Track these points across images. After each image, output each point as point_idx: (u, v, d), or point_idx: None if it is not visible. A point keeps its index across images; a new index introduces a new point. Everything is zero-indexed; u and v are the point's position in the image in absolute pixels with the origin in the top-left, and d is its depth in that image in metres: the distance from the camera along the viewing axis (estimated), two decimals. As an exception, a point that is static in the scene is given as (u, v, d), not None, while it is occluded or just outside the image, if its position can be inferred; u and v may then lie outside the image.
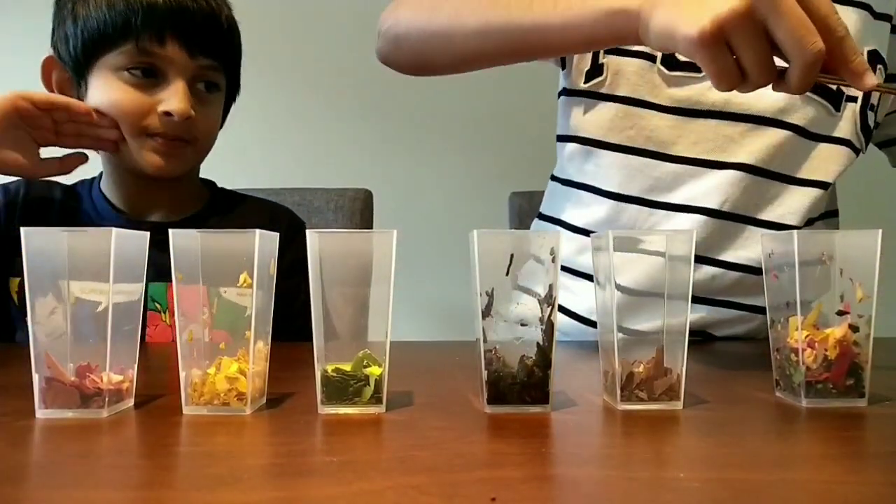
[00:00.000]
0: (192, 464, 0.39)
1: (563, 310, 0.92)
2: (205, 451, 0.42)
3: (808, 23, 0.55)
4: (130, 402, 0.51)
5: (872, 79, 0.57)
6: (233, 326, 0.50)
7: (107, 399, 0.48)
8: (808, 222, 0.89)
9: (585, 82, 0.89)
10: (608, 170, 0.89)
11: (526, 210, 1.45)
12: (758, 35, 0.56)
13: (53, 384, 0.48)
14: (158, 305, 0.92)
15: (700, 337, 0.89)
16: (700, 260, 0.85)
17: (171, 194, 0.96)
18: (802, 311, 0.50)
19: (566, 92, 0.95)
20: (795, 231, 0.50)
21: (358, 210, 1.35)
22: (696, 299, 0.86)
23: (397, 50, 0.87)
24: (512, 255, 0.50)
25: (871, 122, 0.90)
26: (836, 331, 0.51)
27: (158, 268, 0.88)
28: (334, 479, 0.35)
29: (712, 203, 0.84)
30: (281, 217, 1.07)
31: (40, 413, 0.48)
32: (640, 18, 0.63)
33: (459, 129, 1.20)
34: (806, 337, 0.50)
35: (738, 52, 0.57)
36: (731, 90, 0.59)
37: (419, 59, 0.85)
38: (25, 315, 0.87)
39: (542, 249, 0.50)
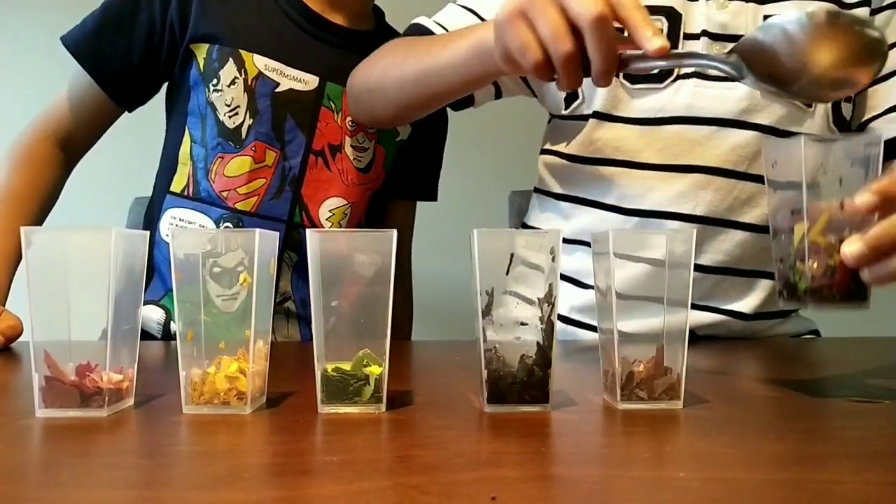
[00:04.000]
0: (192, 463, 0.39)
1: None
2: (205, 451, 0.42)
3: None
4: (130, 402, 0.51)
5: (660, 41, 0.58)
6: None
7: (106, 398, 0.48)
8: None
9: (566, 108, 0.93)
10: (581, 182, 0.92)
11: (526, 209, 1.45)
12: (545, 7, 0.61)
13: (53, 383, 0.48)
14: (333, 105, 0.98)
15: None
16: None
17: (361, 3, 1.04)
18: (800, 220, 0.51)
19: (551, 117, 1.00)
20: (802, 136, 0.51)
21: None
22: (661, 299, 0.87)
23: (357, 107, 0.97)
24: (512, 255, 0.50)
25: (846, 114, 0.90)
26: (843, 237, 0.51)
27: (336, 69, 0.98)
28: (334, 479, 0.35)
29: (684, 208, 0.85)
30: None
31: (40, 412, 0.48)
32: (491, 42, 0.68)
33: (459, 127, 1.21)
34: (811, 244, 0.51)
35: (535, 24, 0.62)
36: (536, 67, 0.63)
37: (371, 113, 0.95)
38: (209, 80, 0.95)
39: (542, 249, 0.50)
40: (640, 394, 0.50)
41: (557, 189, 0.96)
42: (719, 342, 0.88)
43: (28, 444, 0.43)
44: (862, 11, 0.88)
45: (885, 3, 0.90)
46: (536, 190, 1.01)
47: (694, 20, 0.86)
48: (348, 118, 0.99)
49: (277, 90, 0.95)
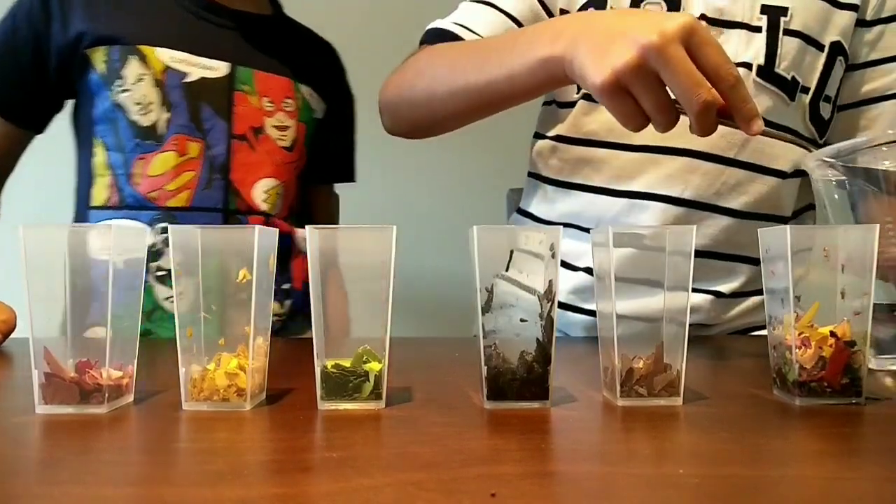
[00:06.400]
0: (191, 460, 0.39)
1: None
2: (204, 447, 0.42)
3: (695, 75, 0.59)
4: (130, 398, 0.51)
5: (759, 124, 0.61)
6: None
7: (106, 395, 0.48)
8: (784, 219, 0.90)
9: (577, 92, 0.93)
10: (571, 164, 0.92)
11: (525, 206, 1.45)
12: (652, 84, 0.61)
13: (53, 380, 0.48)
14: (246, 87, 0.99)
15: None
16: None
17: None
18: (800, 308, 0.50)
19: (548, 102, 1.00)
20: (788, 226, 0.50)
21: None
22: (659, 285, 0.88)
23: (396, 122, 0.96)
24: (512, 252, 0.50)
25: (824, 113, 0.91)
26: (836, 329, 0.50)
27: (244, 53, 0.99)
28: (334, 475, 0.35)
29: (673, 191, 0.86)
30: (331, 51, 1.17)
31: (40, 409, 0.48)
32: (565, 63, 0.68)
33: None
34: (800, 335, 0.50)
35: (637, 98, 0.62)
36: (639, 130, 0.64)
37: (414, 126, 0.94)
38: (111, 82, 0.94)
39: (542, 245, 0.50)
40: (639, 390, 0.50)
41: (548, 172, 0.96)
42: (718, 339, 0.88)
43: (28, 441, 0.43)
44: (849, 17, 0.88)
45: (880, 17, 0.90)
46: (529, 174, 1.02)
47: (692, 4, 0.87)
48: (265, 98, 0.99)
49: (187, 80, 0.95)
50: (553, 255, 0.50)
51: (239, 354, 0.49)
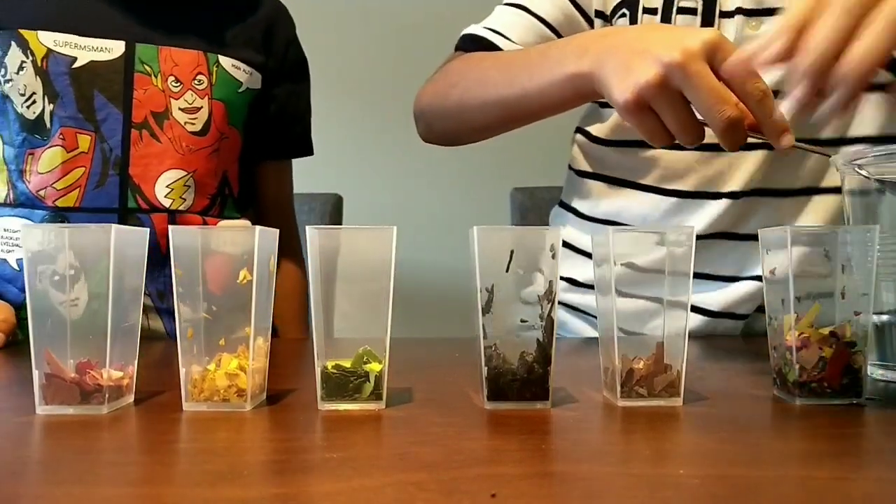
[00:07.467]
0: (191, 460, 0.40)
1: (576, 283, 0.95)
2: (205, 448, 0.42)
3: (719, 91, 0.59)
4: (130, 399, 0.51)
5: (789, 138, 0.60)
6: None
7: (107, 395, 0.48)
8: (836, 190, 0.88)
9: None
10: (619, 162, 0.92)
11: (528, 206, 1.45)
12: (675, 102, 0.61)
13: (53, 380, 0.48)
14: (148, 68, 0.89)
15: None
16: (724, 236, 0.87)
17: None
18: (802, 309, 0.50)
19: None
20: (788, 227, 0.50)
21: (328, 213, 1.44)
22: (706, 277, 0.88)
23: (430, 131, 0.97)
24: (512, 252, 0.50)
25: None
26: (836, 329, 0.50)
27: (144, 28, 0.90)
28: (334, 476, 0.36)
29: (724, 188, 0.85)
30: (275, 13, 1.05)
31: (40, 409, 0.48)
32: (594, 80, 0.69)
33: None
34: (800, 336, 0.50)
35: (660, 116, 0.62)
36: (665, 146, 0.65)
37: (447, 135, 0.96)
38: None
39: (542, 246, 0.50)
40: (639, 391, 0.50)
41: (592, 168, 0.96)
42: (718, 340, 0.88)
43: (28, 441, 0.43)
44: None
45: None
46: (571, 169, 1.01)
47: None
48: (171, 78, 0.89)
49: (75, 66, 0.85)
50: (553, 256, 0.50)
51: (239, 355, 0.50)
